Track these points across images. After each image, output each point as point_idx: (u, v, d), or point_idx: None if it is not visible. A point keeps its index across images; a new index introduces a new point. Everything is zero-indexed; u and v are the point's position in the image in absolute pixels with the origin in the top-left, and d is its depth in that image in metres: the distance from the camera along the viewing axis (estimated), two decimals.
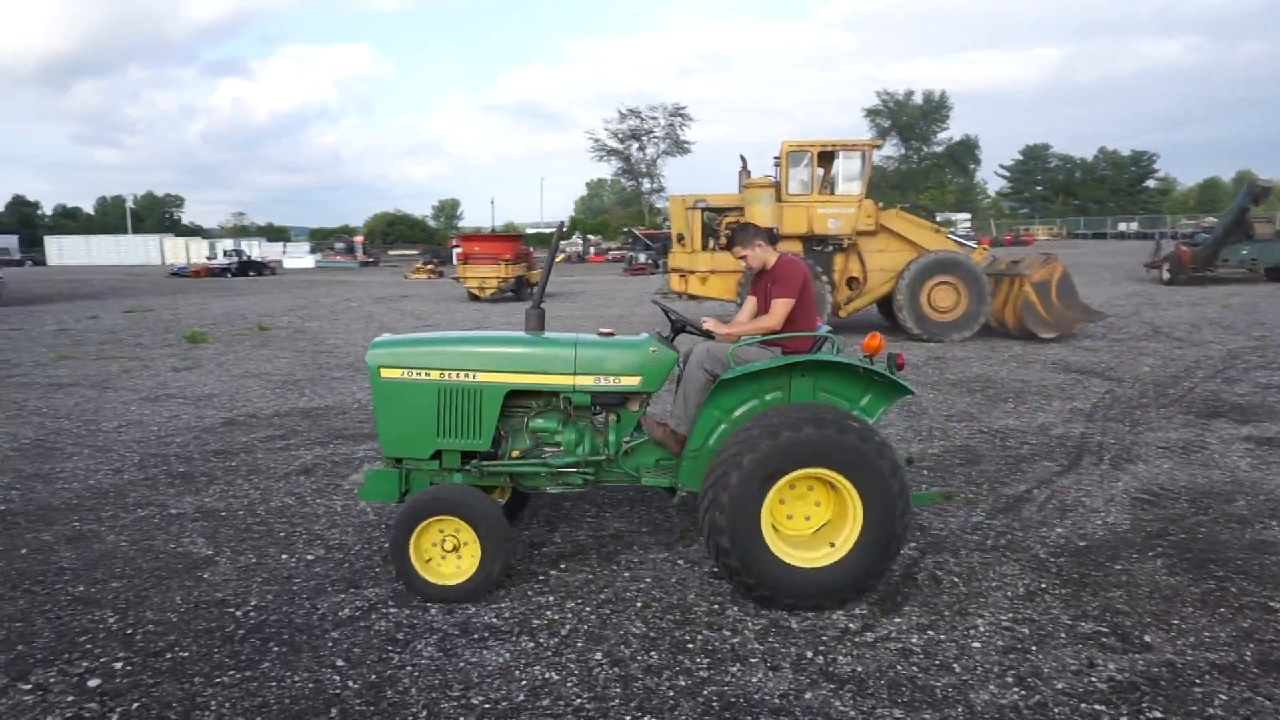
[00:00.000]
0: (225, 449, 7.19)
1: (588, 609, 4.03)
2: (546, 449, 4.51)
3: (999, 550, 4.76)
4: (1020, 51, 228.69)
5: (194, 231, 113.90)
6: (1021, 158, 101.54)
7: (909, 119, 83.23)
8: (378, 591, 4.26)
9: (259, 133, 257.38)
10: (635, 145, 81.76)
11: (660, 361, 4.40)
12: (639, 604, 4.09)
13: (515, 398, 4.46)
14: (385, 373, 4.38)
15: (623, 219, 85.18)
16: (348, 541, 4.96)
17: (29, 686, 3.38)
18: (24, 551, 4.86)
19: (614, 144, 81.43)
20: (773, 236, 4.80)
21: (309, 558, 4.72)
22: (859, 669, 3.46)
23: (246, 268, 51.34)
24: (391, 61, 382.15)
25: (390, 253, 71.99)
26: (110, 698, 3.29)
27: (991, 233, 72.83)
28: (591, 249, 68.77)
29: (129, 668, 3.52)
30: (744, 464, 3.82)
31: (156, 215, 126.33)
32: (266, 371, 11.44)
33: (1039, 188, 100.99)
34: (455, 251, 36.56)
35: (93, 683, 3.40)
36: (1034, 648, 3.64)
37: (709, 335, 4.64)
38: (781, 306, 4.51)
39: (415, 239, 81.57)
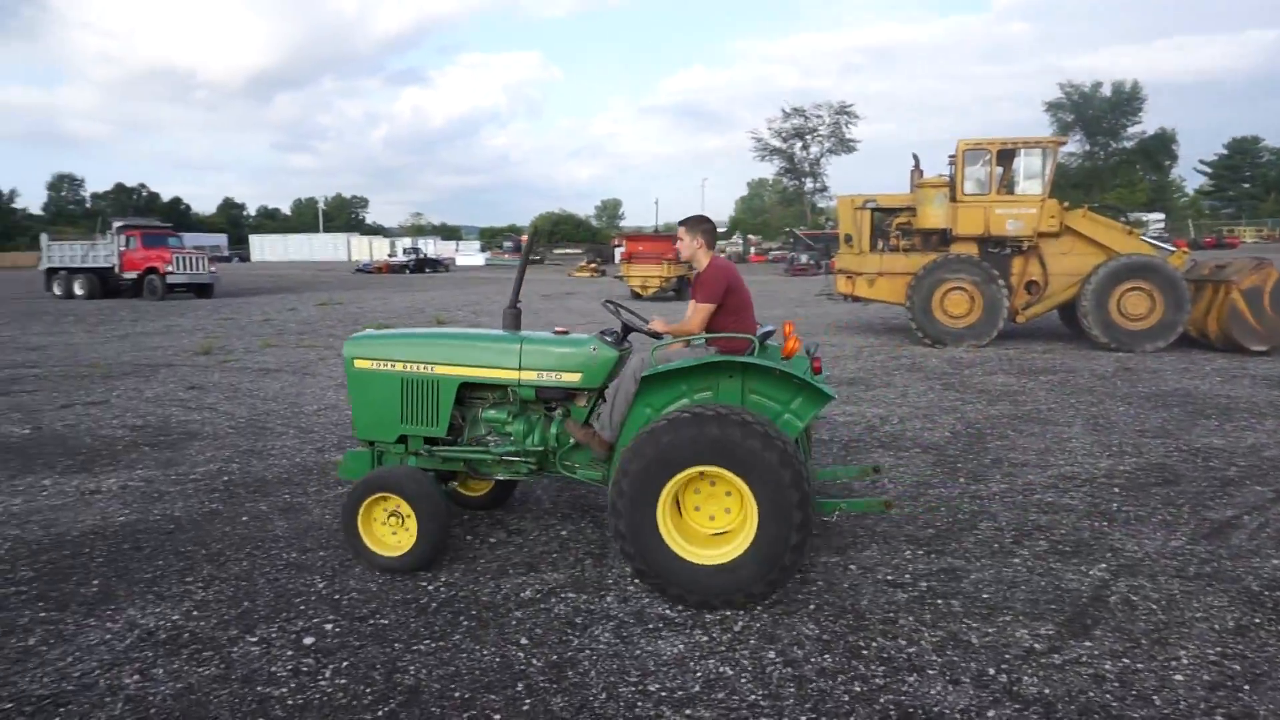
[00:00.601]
0: None
1: (759, 608, 4.05)
2: (495, 438, 4.74)
3: (1203, 579, 4.41)
4: (1227, 35, 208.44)
5: (377, 230, 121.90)
6: (1226, 152, 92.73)
7: (1095, 112, 77.62)
8: (556, 576, 4.45)
9: (435, 137, 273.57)
10: (798, 144, 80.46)
11: (601, 360, 4.55)
12: (811, 606, 4.07)
13: (472, 389, 4.76)
14: (358, 363, 4.80)
15: (783, 219, 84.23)
16: (526, 528, 5.21)
17: (255, 639, 3.76)
18: (245, 519, 5.40)
19: (777, 143, 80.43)
20: (713, 239, 4.81)
21: (491, 540, 4.99)
22: (1046, 691, 3.31)
23: (423, 265, 54.50)
24: (559, 66, 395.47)
25: (555, 251, 74.36)
26: (323, 655, 3.61)
27: (1189, 234, 66.89)
28: (752, 249, 68.41)
29: (338, 629, 3.85)
30: (648, 452, 3.92)
31: (344, 215, 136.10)
32: None
33: (1246, 185, 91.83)
34: (618, 251, 37.39)
35: (308, 640, 3.75)
36: (1247, 686, 3.36)
37: (656, 335, 4.72)
38: (700, 311, 4.57)
39: (579, 238, 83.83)
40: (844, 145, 79.82)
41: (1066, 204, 14.34)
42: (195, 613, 4.04)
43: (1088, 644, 3.70)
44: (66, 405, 9.13)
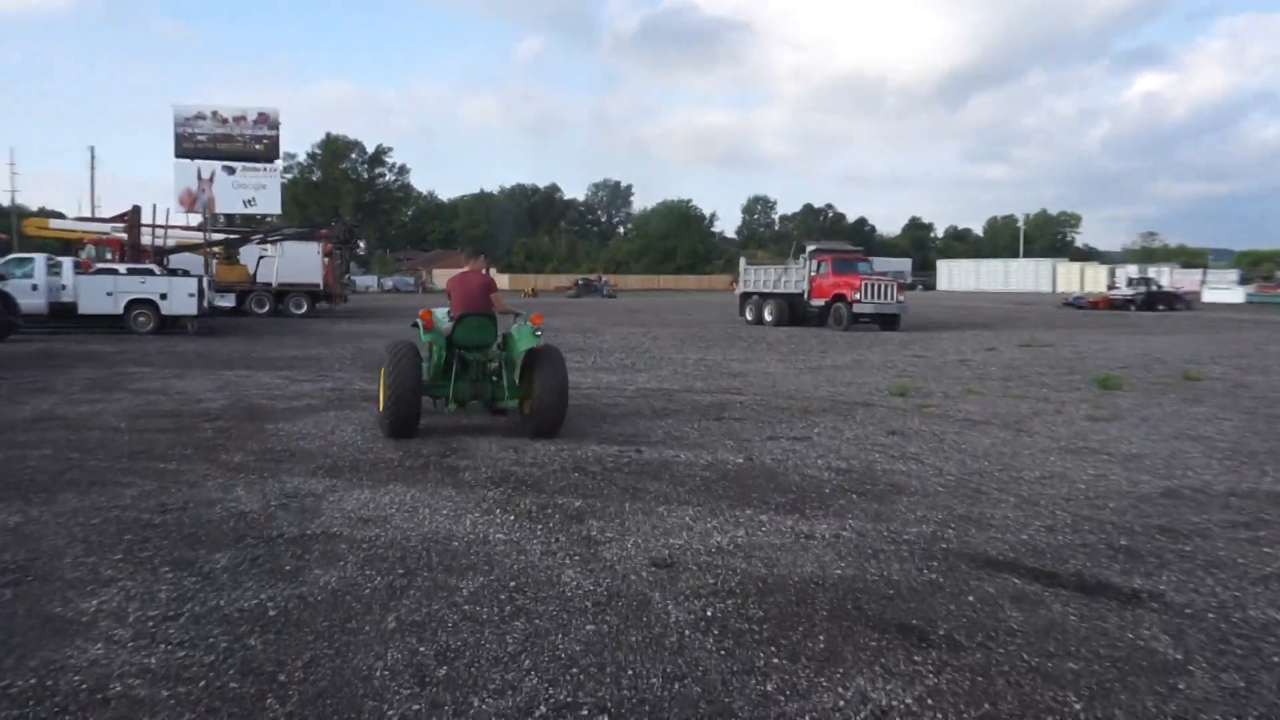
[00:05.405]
0: (1172, 527, 7.13)
1: None
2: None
3: None
4: None
5: (1089, 255, 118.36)
6: None
7: None
8: None
9: (1174, 133, 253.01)
10: None
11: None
12: None
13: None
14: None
15: None
16: None
17: None
18: (970, 599, 5.56)
19: None
20: (474, 255, 11.55)
21: None
22: None
23: (1154, 300, 51.23)
24: None
25: None
26: None
27: None
28: None
29: None
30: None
31: (1047, 236, 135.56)
32: (1207, 435, 11.08)
33: None
34: None
35: None
36: None
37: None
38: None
39: None
40: None
41: None
42: (929, 700, 4.25)
43: None
44: (772, 438, 10.66)
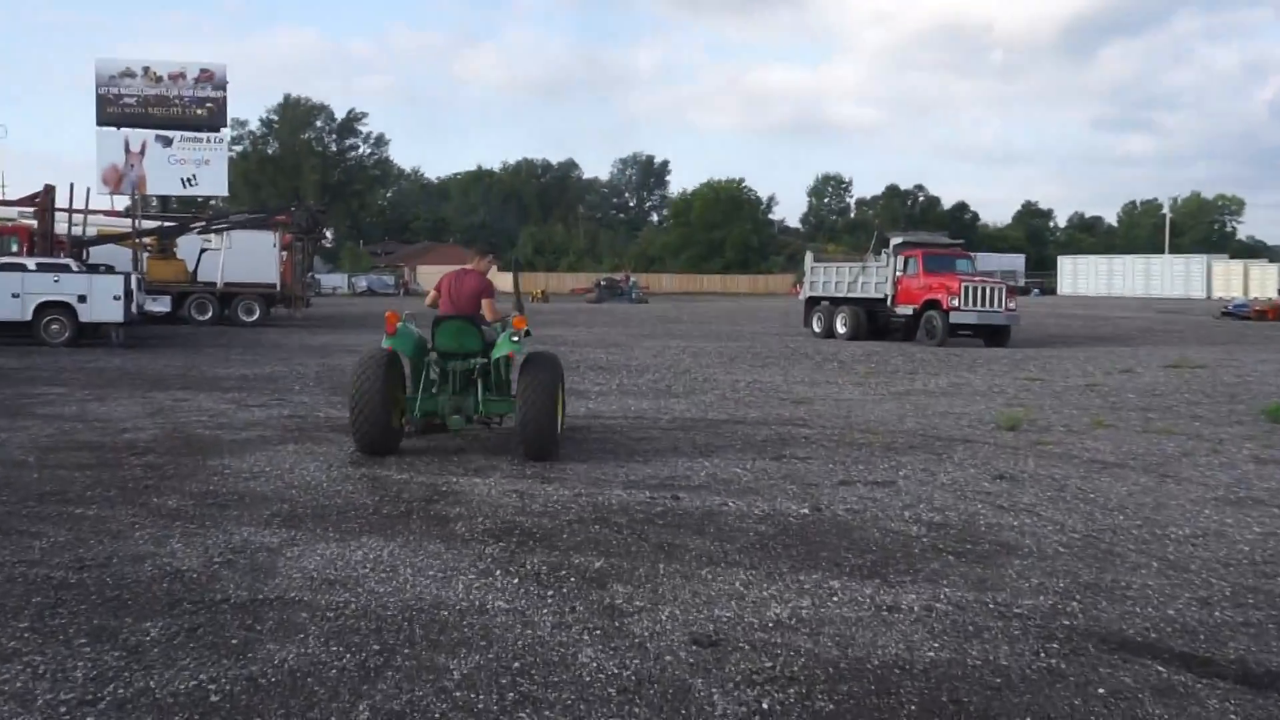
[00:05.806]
0: None
1: None
2: None
3: None
4: None
5: (1255, 250, 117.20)
6: None
7: None
8: None
9: None
10: None
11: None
12: None
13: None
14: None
15: None
16: None
17: None
18: (1100, 691, 5.52)
19: None
20: (482, 255, 12.86)
21: None
22: None
23: None
24: None
25: None
26: None
27: None
28: None
29: None
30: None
31: (1201, 227, 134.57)
32: None
33: None
34: None
35: None
36: None
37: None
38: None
39: None
40: None
41: None
42: None
43: None
44: (845, 482, 10.66)
